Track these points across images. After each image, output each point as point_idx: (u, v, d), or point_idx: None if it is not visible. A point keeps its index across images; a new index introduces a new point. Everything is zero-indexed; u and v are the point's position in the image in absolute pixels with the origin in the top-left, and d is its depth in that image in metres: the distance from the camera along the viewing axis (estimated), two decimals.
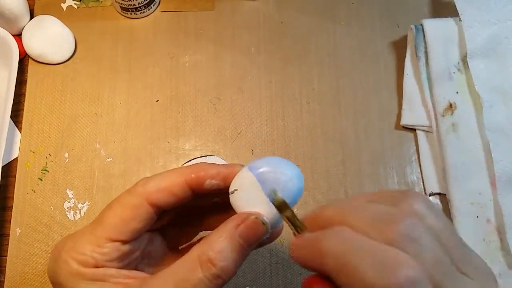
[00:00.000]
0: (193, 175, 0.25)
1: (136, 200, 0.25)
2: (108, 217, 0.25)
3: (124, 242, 0.24)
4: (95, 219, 0.25)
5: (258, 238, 0.24)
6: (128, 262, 0.26)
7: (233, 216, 0.25)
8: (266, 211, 0.25)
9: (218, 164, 0.26)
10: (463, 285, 0.19)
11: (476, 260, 0.20)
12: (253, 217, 0.24)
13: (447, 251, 0.19)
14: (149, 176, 0.26)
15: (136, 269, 0.26)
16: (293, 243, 0.22)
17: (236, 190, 0.25)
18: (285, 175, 0.25)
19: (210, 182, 0.25)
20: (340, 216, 0.20)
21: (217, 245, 0.23)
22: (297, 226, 0.23)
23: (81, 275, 0.23)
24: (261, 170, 0.25)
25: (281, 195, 0.24)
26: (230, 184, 0.26)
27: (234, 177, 0.26)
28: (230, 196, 0.26)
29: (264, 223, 0.24)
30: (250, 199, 0.25)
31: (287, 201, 0.24)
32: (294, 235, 0.23)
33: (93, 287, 0.23)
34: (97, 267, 0.24)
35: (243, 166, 0.26)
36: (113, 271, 0.24)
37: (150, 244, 0.28)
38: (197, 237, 0.31)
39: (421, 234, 0.19)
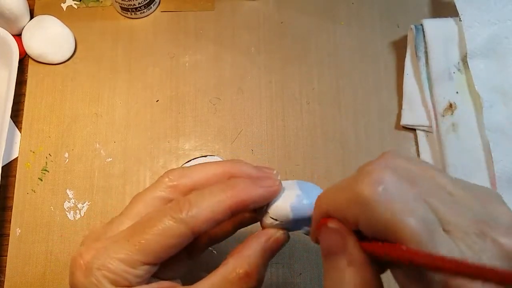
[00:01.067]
0: (237, 201, 0.25)
1: (181, 230, 0.24)
2: (149, 243, 0.23)
3: (156, 264, 0.24)
4: (127, 233, 0.24)
5: (280, 249, 0.27)
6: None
7: (262, 232, 0.27)
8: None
9: (255, 179, 0.26)
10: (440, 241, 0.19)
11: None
12: (281, 232, 0.27)
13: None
14: (189, 192, 0.25)
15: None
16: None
17: (276, 220, 0.27)
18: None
19: (253, 206, 0.26)
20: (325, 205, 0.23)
21: (252, 259, 0.25)
22: None
23: None
24: (300, 210, 0.26)
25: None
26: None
27: (273, 195, 0.27)
28: (265, 215, 0.27)
29: (288, 237, 0.27)
30: (281, 225, 0.27)
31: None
32: None
33: None
34: (131, 286, 0.23)
35: (277, 176, 0.27)
36: (145, 287, 0.24)
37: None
38: None
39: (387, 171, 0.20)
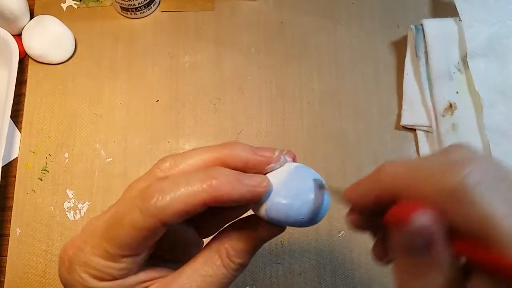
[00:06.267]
0: (214, 195, 0.22)
1: (149, 223, 0.22)
2: (120, 236, 0.22)
3: (139, 255, 0.23)
4: (103, 226, 0.23)
5: (272, 237, 0.25)
6: (147, 259, 0.25)
7: (253, 218, 0.25)
8: None
9: (238, 176, 0.23)
10: None
11: None
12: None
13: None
14: (160, 180, 0.23)
15: (161, 258, 0.26)
16: (346, 189, 0.23)
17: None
18: (294, 210, 0.24)
19: (231, 204, 0.23)
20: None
21: (236, 243, 0.24)
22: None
23: None
24: (273, 214, 0.24)
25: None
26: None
27: (256, 197, 0.24)
28: (257, 208, 0.25)
29: (283, 229, 0.26)
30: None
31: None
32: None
33: None
34: (115, 279, 0.23)
35: (280, 158, 0.25)
36: (131, 280, 0.23)
37: (179, 234, 0.28)
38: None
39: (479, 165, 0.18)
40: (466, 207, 0.17)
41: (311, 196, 0.25)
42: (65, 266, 0.23)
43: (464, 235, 0.18)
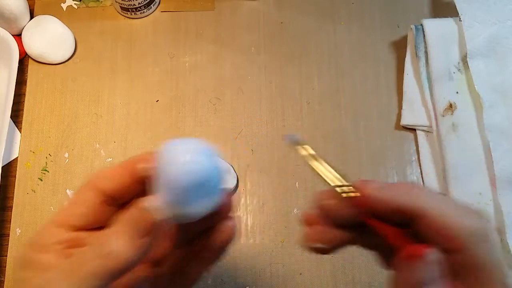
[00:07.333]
0: (132, 161, 0.26)
1: (81, 186, 0.27)
2: (67, 206, 0.28)
3: (72, 227, 0.27)
4: None
5: (145, 225, 0.24)
6: None
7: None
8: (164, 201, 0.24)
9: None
10: None
11: None
12: (139, 202, 0.24)
13: None
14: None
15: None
16: (361, 181, 0.25)
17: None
18: (171, 174, 0.24)
19: (143, 168, 0.26)
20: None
21: (107, 230, 0.24)
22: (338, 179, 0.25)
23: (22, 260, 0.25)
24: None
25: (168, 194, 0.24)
26: None
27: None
28: None
29: (164, 212, 0.24)
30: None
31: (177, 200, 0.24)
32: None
33: (23, 271, 0.24)
34: (41, 252, 0.25)
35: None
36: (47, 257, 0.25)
37: None
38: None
39: None
40: (485, 248, 0.20)
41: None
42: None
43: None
